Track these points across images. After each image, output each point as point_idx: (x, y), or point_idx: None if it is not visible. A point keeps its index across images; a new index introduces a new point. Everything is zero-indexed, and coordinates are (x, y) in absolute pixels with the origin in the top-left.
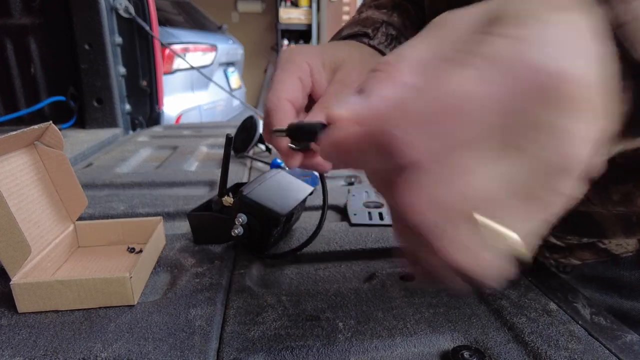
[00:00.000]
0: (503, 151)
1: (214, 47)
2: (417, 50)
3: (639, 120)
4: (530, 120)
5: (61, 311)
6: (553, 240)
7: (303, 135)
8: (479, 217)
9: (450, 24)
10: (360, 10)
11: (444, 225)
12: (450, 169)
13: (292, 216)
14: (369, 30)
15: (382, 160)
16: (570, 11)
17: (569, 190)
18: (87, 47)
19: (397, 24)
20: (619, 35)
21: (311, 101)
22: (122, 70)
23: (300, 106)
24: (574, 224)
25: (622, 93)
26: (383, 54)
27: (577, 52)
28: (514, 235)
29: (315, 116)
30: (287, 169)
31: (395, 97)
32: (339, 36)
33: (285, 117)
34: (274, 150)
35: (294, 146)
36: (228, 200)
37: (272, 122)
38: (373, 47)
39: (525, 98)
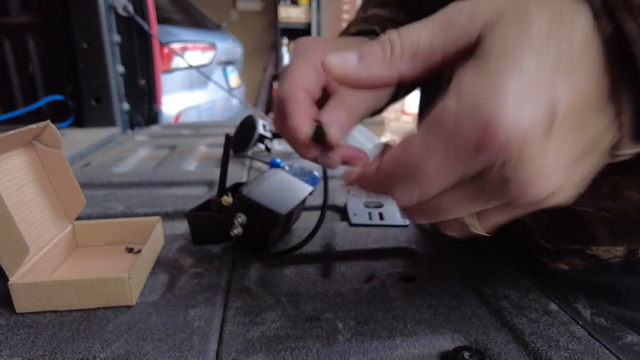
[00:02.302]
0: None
1: (213, 46)
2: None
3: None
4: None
5: (59, 311)
6: (542, 242)
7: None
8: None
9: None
10: (364, 9)
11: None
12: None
13: (291, 216)
14: (377, 28)
15: None
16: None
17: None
18: (85, 45)
19: (405, 22)
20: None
21: (325, 95)
22: (121, 69)
23: (316, 97)
24: (563, 226)
25: (623, 103)
26: None
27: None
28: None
29: (331, 111)
30: (286, 167)
31: None
32: (346, 33)
33: (301, 105)
34: (273, 149)
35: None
36: (227, 200)
37: (287, 111)
38: None
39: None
